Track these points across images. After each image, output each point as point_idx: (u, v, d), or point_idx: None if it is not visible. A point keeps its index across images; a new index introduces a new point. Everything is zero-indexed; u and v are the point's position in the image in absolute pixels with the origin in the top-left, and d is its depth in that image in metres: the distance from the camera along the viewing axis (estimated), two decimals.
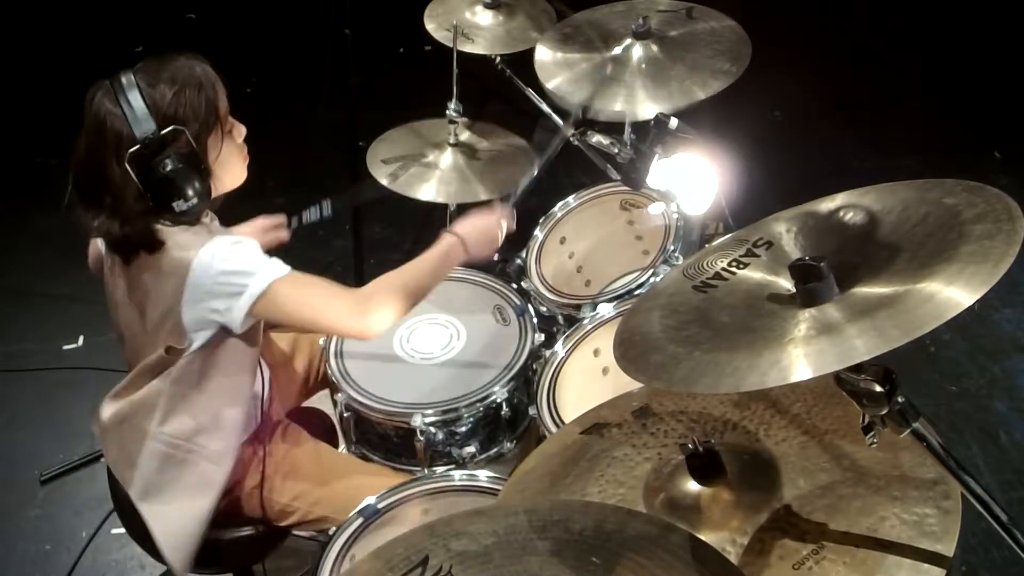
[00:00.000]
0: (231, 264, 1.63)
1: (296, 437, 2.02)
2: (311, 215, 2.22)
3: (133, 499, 1.82)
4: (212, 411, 1.79)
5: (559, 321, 2.32)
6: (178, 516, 1.81)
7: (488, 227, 1.90)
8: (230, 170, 1.76)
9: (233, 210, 1.91)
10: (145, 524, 1.81)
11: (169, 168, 1.60)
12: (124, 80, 1.61)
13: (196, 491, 1.82)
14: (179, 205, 1.63)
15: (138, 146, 1.58)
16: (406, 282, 1.78)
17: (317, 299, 1.71)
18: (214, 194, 1.71)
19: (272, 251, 1.76)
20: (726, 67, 2.15)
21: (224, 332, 1.72)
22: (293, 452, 1.98)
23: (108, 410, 1.83)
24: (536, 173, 2.09)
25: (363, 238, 3.11)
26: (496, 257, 2.43)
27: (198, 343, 1.71)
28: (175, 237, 1.66)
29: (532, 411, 2.00)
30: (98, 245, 1.86)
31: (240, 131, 1.77)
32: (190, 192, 1.63)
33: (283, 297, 1.66)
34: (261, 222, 2.17)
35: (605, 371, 2.06)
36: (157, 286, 1.68)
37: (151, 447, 1.78)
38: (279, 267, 1.68)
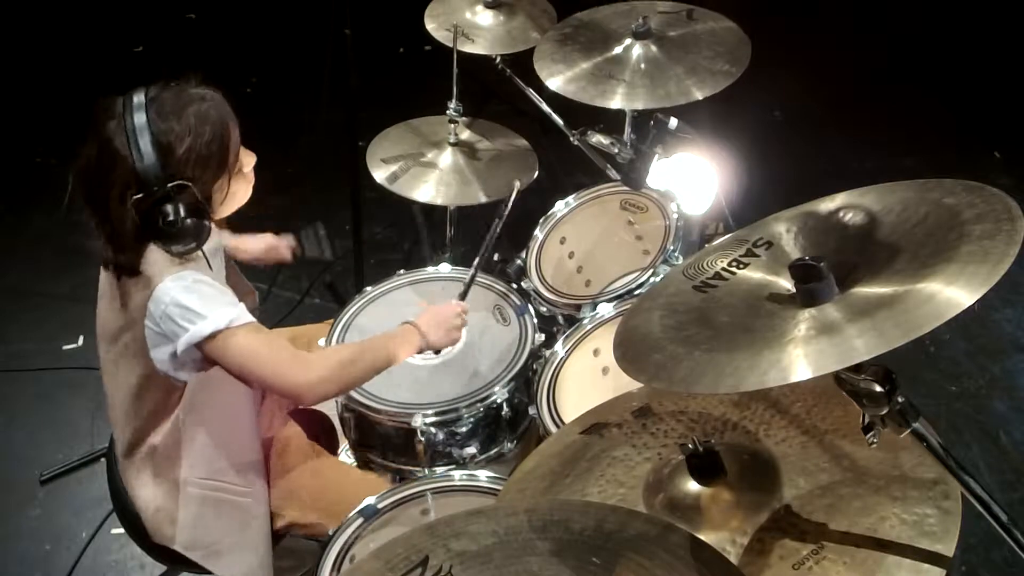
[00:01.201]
0: (186, 300, 1.63)
1: (290, 441, 2.03)
2: (313, 250, 2.33)
3: (180, 551, 1.82)
4: (227, 431, 1.81)
5: (559, 321, 2.32)
6: (243, 556, 1.84)
7: (447, 318, 1.92)
8: (234, 203, 1.77)
9: None
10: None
11: (171, 219, 1.60)
12: (136, 115, 1.58)
13: (247, 529, 1.85)
14: (176, 248, 1.64)
15: (143, 194, 1.58)
16: (351, 356, 1.79)
17: (264, 353, 1.68)
18: (215, 219, 1.71)
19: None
20: (725, 68, 2.15)
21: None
22: (287, 455, 1.99)
23: (130, 466, 1.84)
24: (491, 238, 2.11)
25: (363, 238, 3.10)
26: (496, 257, 2.44)
27: (190, 365, 1.72)
28: (155, 256, 1.66)
29: (532, 411, 2.00)
30: None
31: (250, 160, 1.76)
32: (188, 238, 1.63)
33: (233, 345, 1.65)
34: (269, 239, 2.25)
35: (605, 371, 2.06)
36: (130, 298, 1.69)
37: (187, 494, 1.79)
38: (239, 316, 1.66)
